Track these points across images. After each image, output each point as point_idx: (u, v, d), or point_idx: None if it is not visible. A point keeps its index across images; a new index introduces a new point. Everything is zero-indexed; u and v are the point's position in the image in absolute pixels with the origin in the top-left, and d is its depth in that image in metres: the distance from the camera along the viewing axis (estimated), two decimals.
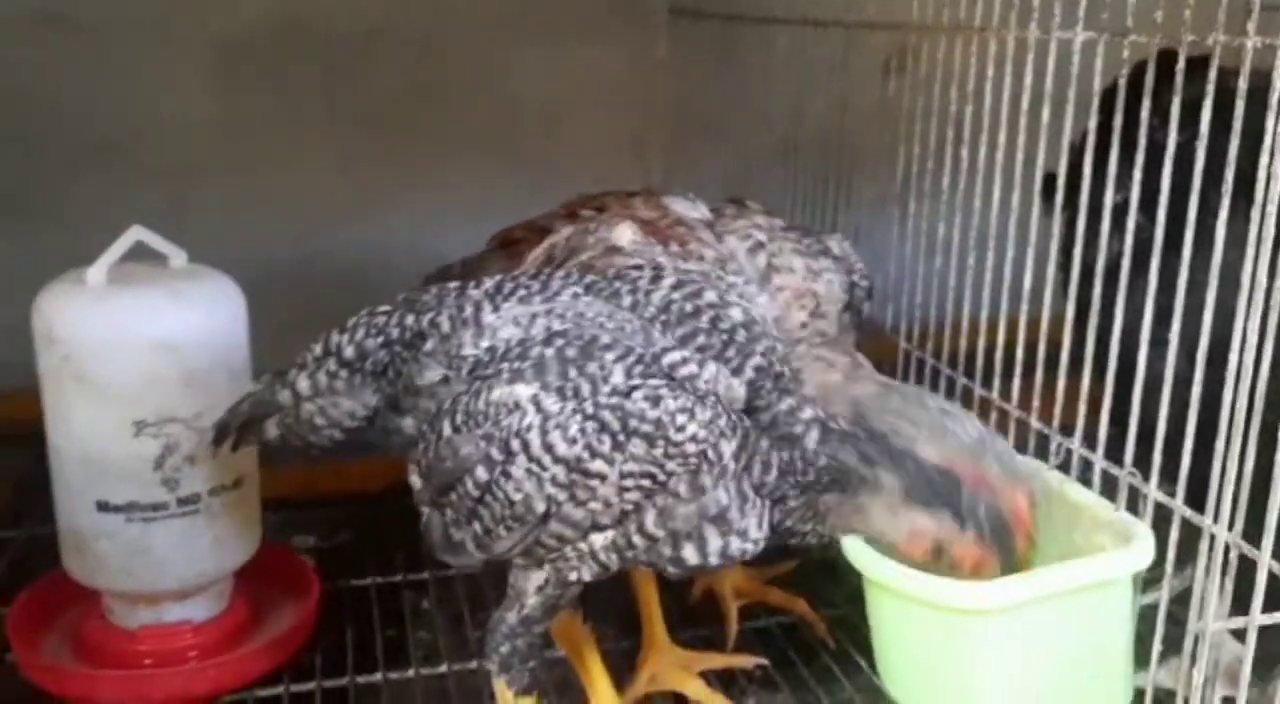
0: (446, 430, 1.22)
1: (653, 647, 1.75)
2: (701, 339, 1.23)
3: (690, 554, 1.22)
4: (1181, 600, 1.24)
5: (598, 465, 1.15)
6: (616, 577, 1.35)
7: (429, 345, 1.27)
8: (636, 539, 1.21)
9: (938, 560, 1.22)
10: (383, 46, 2.55)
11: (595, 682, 1.57)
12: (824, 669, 1.80)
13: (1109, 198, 1.30)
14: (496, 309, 1.27)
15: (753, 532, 1.22)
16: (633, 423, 1.14)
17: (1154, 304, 1.23)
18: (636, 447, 1.14)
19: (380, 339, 1.32)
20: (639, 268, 1.34)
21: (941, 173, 1.61)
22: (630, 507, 1.18)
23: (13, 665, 1.67)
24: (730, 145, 2.35)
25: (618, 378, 1.17)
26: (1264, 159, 1.06)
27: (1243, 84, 1.10)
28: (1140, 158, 1.25)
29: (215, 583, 1.70)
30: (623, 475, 1.16)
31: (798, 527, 1.26)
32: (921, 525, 1.21)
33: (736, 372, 1.22)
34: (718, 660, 1.78)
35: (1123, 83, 1.30)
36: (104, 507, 1.57)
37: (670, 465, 1.16)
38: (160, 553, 1.59)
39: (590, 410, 1.15)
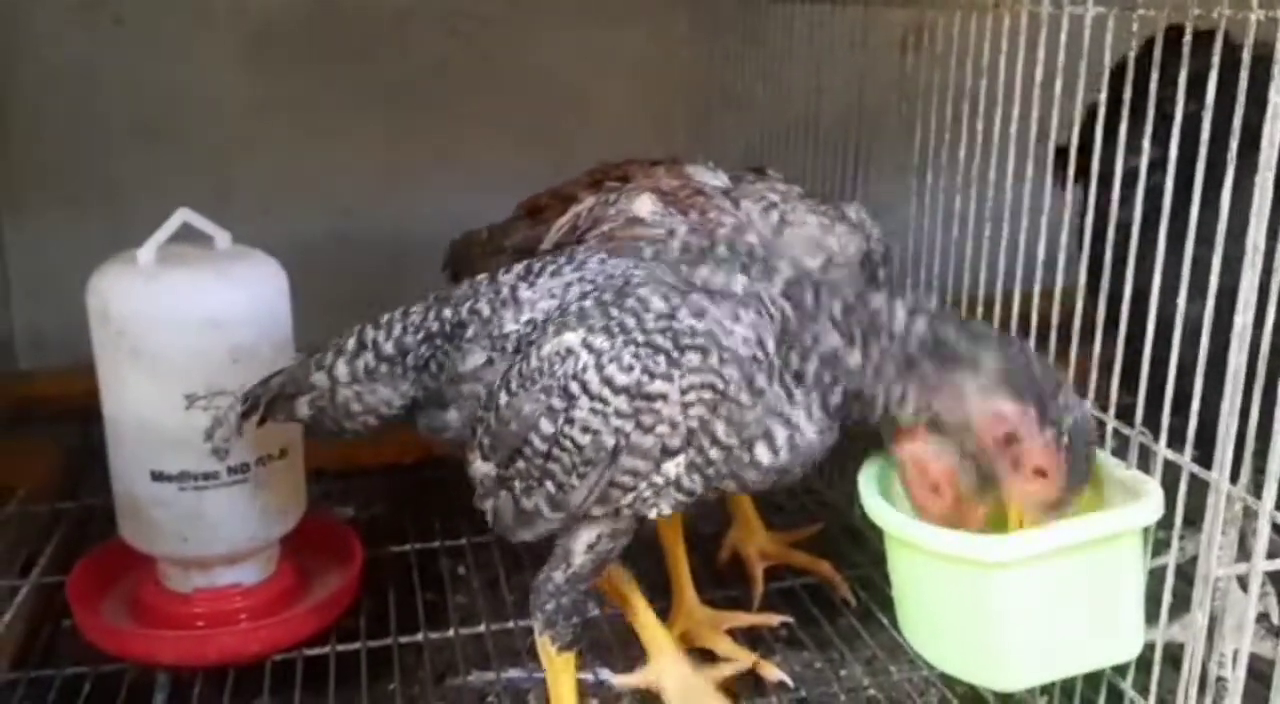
0: (504, 398, 1.28)
1: (682, 607, 1.82)
2: (725, 257, 1.30)
3: (763, 454, 1.25)
4: (1194, 562, 1.28)
5: (658, 386, 1.20)
6: (647, 541, 1.40)
7: (470, 331, 1.33)
8: (714, 453, 1.24)
9: (1003, 451, 1.21)
10: (413, 27, 2.61)
11: (648, 627, 1.63)
12: (848, 627, 1.87)
13: (1119, 165, 1.35)
14: (532, 286, 1.33)
15: (803, 422, 1.24)
16: (684, 339, 1.19)
17: (1164, 264, 1.27)
18: (691, 359, 1.19)
19: (420, 335, 1.37)
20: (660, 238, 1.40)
21: (958, 146, 1.65)
22: (696, 423, 1.21)
23: (72, 630, 1.76)
24: (752, 121, 2.39)
25: (657, 304, 1.23)
26: (1267, 127, 1.09)
27: (1247, 56, 1.15)
28: (1148, 127, 1.30)
29: (264, 548, 1.77)
30: (683, 391, 1.19)
31: (878, 398, 1.24)
32: (1004, 411, 1.20)
33: (768, 275, 1.27)
34: (745, 619, 1.85)
35: (1132, 56, 1.34)
36: (158, 476, 1.65)
37: (728, 371, 1.20)
38: (212, 519, 1.67)
39: (640, 338, 1.20)
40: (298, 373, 1.46)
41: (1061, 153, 1.51)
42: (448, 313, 1.37)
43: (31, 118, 2.46)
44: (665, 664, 1.62)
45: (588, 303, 1.26)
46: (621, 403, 1.21)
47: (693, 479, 1.26)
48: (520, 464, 1.29)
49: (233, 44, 2.54)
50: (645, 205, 1.53)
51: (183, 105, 2.52)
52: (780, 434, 1.24)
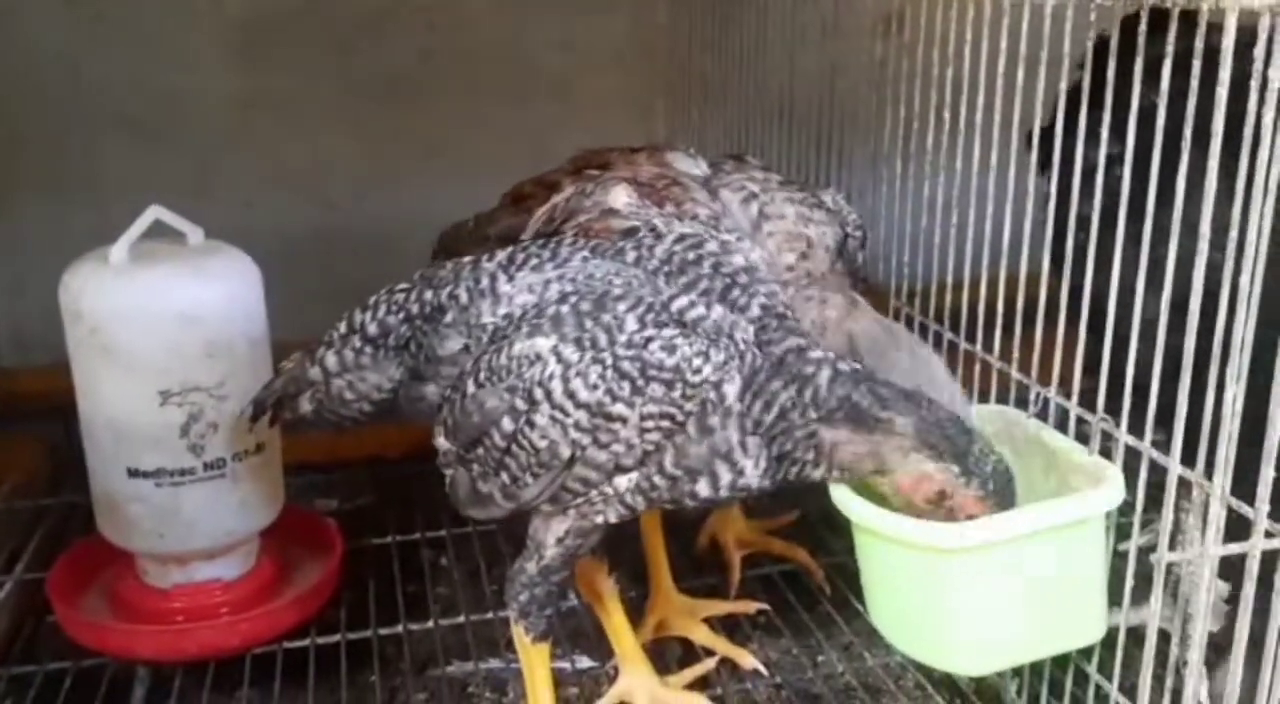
0: (471, 388, 1.30)
1: (660, 595, 1.83)
2: (705, 283, 1.30)
3: (704, 488, 1.28)
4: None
5: (619, 409, 1.22)
6: (626, 529, 1.42)
7: (448, 317, 1.35)
8: (658, 479, 1.28)
9: (937, 507, 1.26)
10: (395, 20, 2.60)
11: (619, 634, 1.64)
12: (824, 615, 1.88)
13: (1078, 156, 1.35)
14: (511, 279, 1.34)
15: (749, 470, 1.27)
16: (651, 371, 1.21)
17: (1123, 255, 1.28)
18: (655, 390, 1.21)
19: (401, 315, 1.39)
20: (637, 230, 1.40)
21: (926, 133, 1.66)
22: (651, 447, 1.25)
23: (54, 625, 1.78)
24: (729, 109, 2.39)
25: (631, 325, 1.24)
26: (1216, 112, 1.10)
27: (1199, 44, 1.15)
28: (1107, 117, 1.30)
29: (243, 543, 1.79)
30: (643, 417, 1.22)
31: (799, 456, 1.28)
32: (928, 471, 1.24)
33: (742, 310, 1.29)
34: (722, 607, 1.87)
35: (1090, 48, 1.35)
36: (134, 473, 1.66)
37: (688, 406, 1.22)
38: (189, 515, 1.68)
39: (609, 360, 1.22)
40: (296, 371, 1.49)
41: (1031, 137, 1.51)
42: (429, 295, 1.38)
43: (13, 113, 2.46)
44: (635, 680, 1.63)
45: (565, 308, 1.27)
46: (582, 417, 1.23)
47: (635, 499, 1.30)
48: (480, 451, 1.31)
49: (214, 39, 2.53)
50: (620, 197, 1.53)
51: (166, 100, 2.52)
52: (724, 475, 1.27)
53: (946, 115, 1.60)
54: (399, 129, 2.66)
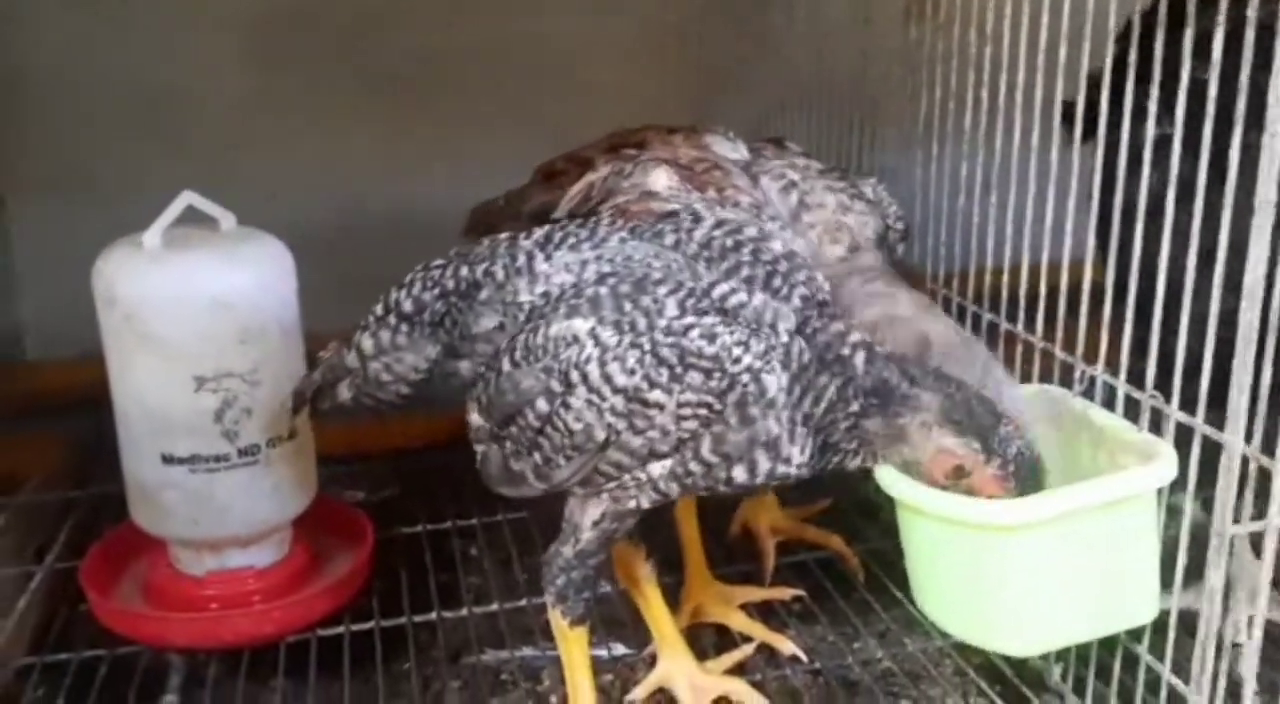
0: (506, 366, 1.29)
1: (695, 582, 1.82)
2: (746, 271, 1.28)
3: (740, 474, 1.27)
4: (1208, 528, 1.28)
5: (656, 395, 1.21)
6: (660, 516, 1.41)
7: (484, 294, 1.33)
8: (694, 466, 1.26)
9: (954, 485, 1.25)
10: (407, 15, 2.60)
11: (658, 620, 1.63)
12: (860, 601, 1.87)
13: (1124, 132, 1.34)
14: (549, 257, 1.32)
15: (795, 458, 1.26)
16: (690, 358, 1.20)
17: (1173, 231, 1.27)
18: (694, 378, 1.20)
19: (436, 291, 1.38)
20: (677, 214, 1.38)
21: (963, 114, 1.65)
22: (687, 434, 1.23)
23: (87, 614, 1.77)
24: (753, 97, 2.37)
25: (672, 310, 1.22)
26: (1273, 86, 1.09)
27: (1251, 13, 1.14)
28: (1155, 91, 1.29)
29: (275, 530, 1.78)
30: (680, 405, 1.21)
31: (842, 445, 1.28)
32: (948, 445, 1.24)
33: (785, 299, 1.27)
34: (758, 594, 1.85)
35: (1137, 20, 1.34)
36: (168, 459, 1.65)
37: (727, 397, 1.21)
38: (223, 502, 1.67)
39: (647, 345, 1.21)
40: (334, 360, 1.47)
41: (1069, 108, 1.49)
42: (464, 271, 1.36)
43: (37, 108, 2.45)
44: (674, 665, 1.61)
45: (603, 290, 1.25)
46: (618, 401, 1.22)
47: (670, 486, 1.29)
48: (513, 430, 1.30)
49: (235, 32, 2.52)
50: (661, 180, 1.51)
51: (187, 93, 2.51)
52: (763, 463, 1.26)
53: (985, 94, 1.59)
54: (414, 123, 2.64)
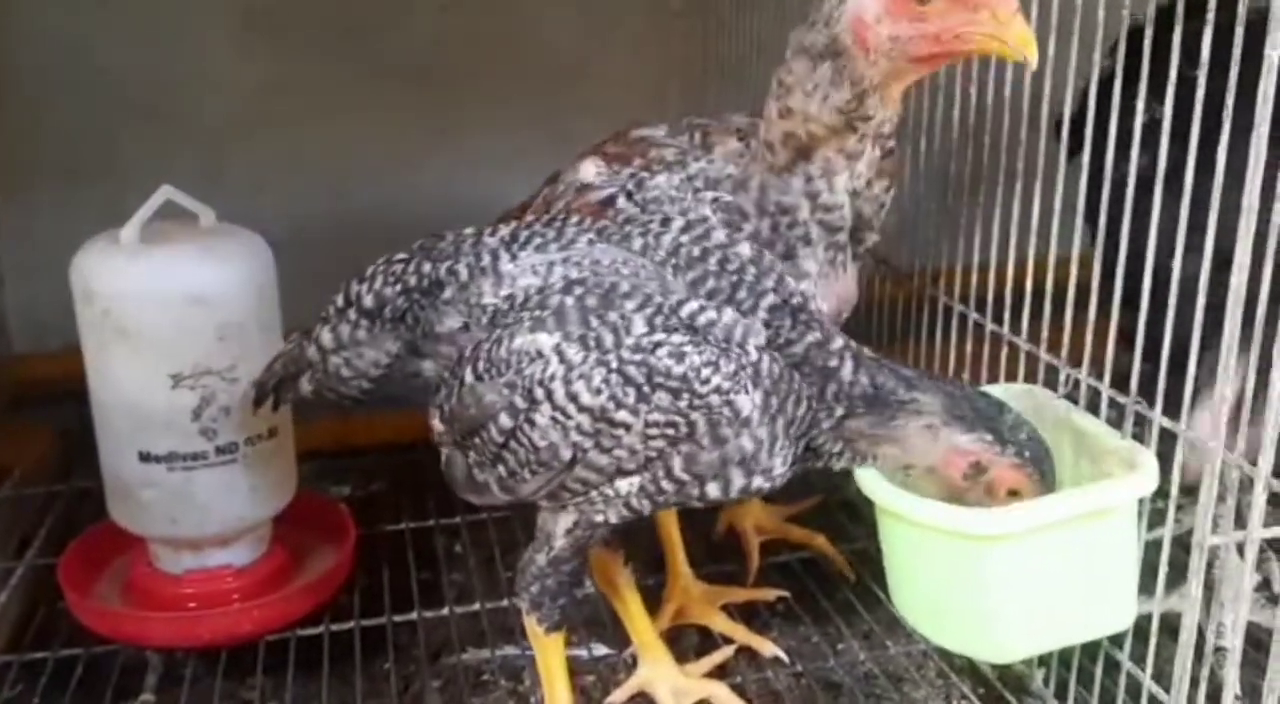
0: (469, 378, 1.25)
1: (677, 582, 1.80)
2: (712, 283, 1.25)
3: (714, 491, 1.25)
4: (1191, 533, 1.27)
5: (622, 415, 1.18)
6: (642, 517, 1.40)
7: (447, 293, 1.30)
8: (665, 484, 1.24)
9: (974, 482, 1.23)
10: (402, 7, 2.57)
11: (637, 625, 1.61)
12: (844, 602, 1.85)
13: (1112, 129, 1.32)
14: (514, 258, 1.29)
15: (776, 469, 1.24)
16: (658, 378, 1.17)
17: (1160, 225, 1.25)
18: (661, 398, 1.17)
19: (398, 287, 1.34)
20: (615, 197, 1.36)
21: (951, 111, 1.62)
22: (655, 453, 1.21)
23: (66, 612, 1.75)
24: (748, 91, 2.35)
25: (640, 327, 1.19)
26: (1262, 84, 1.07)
27: (1241, 10, 1.11)
28: (1143, 89, 1.27)
29: (255, 528, 1.76)
30: (647, 425, 1.18)
31: (825, 448, 1.26)
32: (962, 444, 1.21)
33: (750, 312, 1.24)
34: (740, 595, 1.84)
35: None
36: (146, 457, 1.63)
37: (694, 416, 1.18)
38: (201, 500, 1.66)
39: (614, 363, 1.18)
40: (294, 352, 1.45)
41: (1059, 124, 1.48)
42: (427, 268, 1.33)
43: (26, 99, 2.44)
44: (654, 670, 1.60)
45: (569, 301, 1.22)
46: (584, 420, 1.19)
47: (640, 502, 1.27)
48: (477, 442, 1.28)
49: (227, 22, 2.50)
50: (589, 170, 1.51)
51: (178, 84, 2.49)
52: (738, 479, 1.24)
53: (973, 91, 1.56)
54: (413, 115, 2.62)
